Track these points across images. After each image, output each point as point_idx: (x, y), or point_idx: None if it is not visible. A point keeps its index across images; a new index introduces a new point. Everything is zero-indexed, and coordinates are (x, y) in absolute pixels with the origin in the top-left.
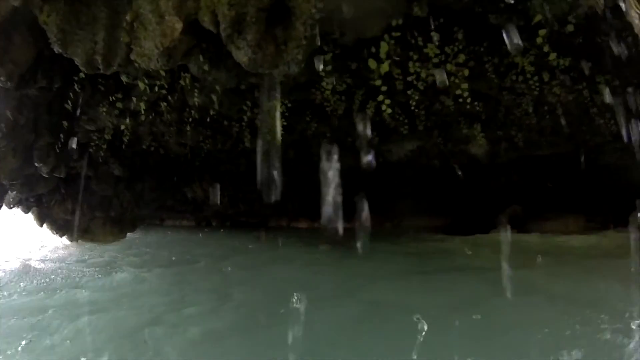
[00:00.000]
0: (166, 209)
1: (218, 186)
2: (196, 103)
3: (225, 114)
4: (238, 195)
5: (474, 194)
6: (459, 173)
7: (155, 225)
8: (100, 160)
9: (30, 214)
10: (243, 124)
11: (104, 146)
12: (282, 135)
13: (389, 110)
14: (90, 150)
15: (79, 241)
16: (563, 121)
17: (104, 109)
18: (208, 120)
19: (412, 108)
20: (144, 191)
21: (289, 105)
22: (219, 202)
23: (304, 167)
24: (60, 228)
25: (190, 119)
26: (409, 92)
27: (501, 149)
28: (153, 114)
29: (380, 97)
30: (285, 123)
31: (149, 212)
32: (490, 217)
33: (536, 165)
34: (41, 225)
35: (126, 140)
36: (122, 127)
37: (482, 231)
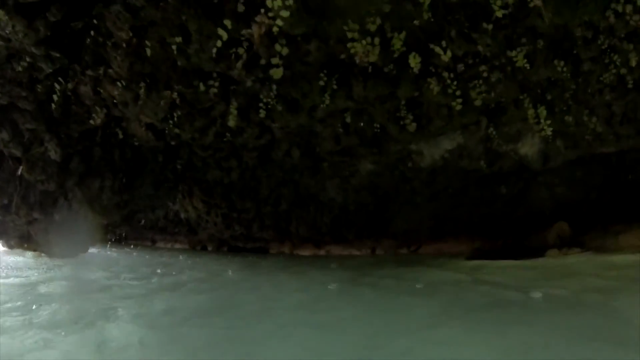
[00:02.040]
0: (158, 230)
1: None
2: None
3: (196, 67)
4: (232, 214)
5: (509, 210)
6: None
7: (147, 247)
8: (27, 135)
9: None
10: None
11: (31, 108)
12: (283, 127)
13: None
14: (14, 116)
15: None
16: None
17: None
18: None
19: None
20: (102, 193)
21: None
22: (214, 223)
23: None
24: None
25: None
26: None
27: (559, 147)
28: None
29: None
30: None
31: (137, 231)
32: (528, 237)
33: (589, 169)
34: None
35: (59, 101)
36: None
37: (527, 255)
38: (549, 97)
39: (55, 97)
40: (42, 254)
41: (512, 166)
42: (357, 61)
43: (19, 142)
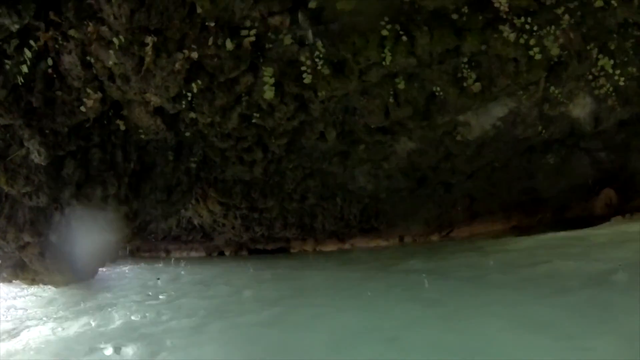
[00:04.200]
0: (171, 239)
1: None
2: None
3: (221, 16)
4: (253, 215)
5: (550, 182)
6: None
7: (160, 258)
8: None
9: None
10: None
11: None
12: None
13: None
14: None
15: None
16: None
17: None
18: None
19: None
20: (106, 203)
21: None
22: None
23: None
24: None
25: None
26: None
27: (611, 106)
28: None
29: None
30: None
31: (149, 243)
32: (567, 210)
33: (634, 130)
34: None
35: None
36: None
37: (575, 227)
38: (612, 47)
39: (24, 69)
40: (41, 284)
41: (561, 132)
42: None
43: None
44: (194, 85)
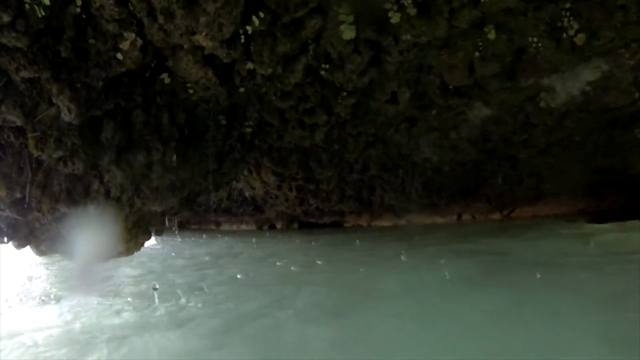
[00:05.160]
0: (221, 212)
1: None
2: None
3: None
4: (309, 187)
5: (629, 162)
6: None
7: (210, 230)
8: (25, 89)
9: None
10: None
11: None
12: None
13: None
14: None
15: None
16: None
17: None
18: None
19: None
20: (150, 171)
21: None
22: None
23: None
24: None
25: None
26: None
27: None
28: None
29: None
30: None
31: (198, 215)
32: None
33: None
34: None
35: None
36: None
37: None
38: None
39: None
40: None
41: None
42: None
43: (14, 102)
44: (251, 25)
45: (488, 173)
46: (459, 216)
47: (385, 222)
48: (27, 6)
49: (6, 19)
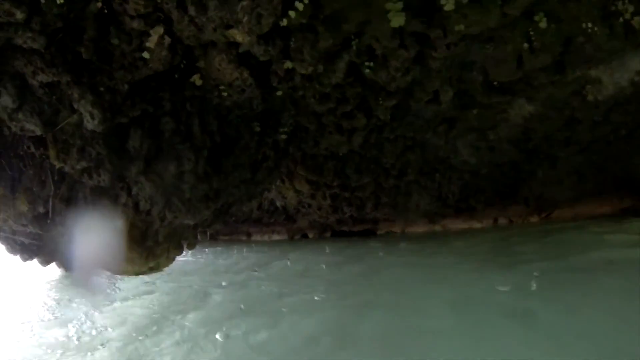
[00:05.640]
0: (252, 222)
1: None
2: None
3: None
4: (344, 194)
5: None
6: None
7: (241, 241)
8: (43, 95)
9: None
10: None
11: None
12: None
13: None
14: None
15: None
16: None
17: None
18: None
19: None
20: (182, 181)
21: None
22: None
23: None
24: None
25: None
26: None
27: None
28: None
29: None
30: None
31: (230, 226)
32: None
33: None
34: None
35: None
36: None
37: None
38: None
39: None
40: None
41: None
42: None
43: (32, 109)
44: (291, 15)
45: (526, 174)
46: (495, 220)
47: (420, 229)
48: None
49: (20, 16)
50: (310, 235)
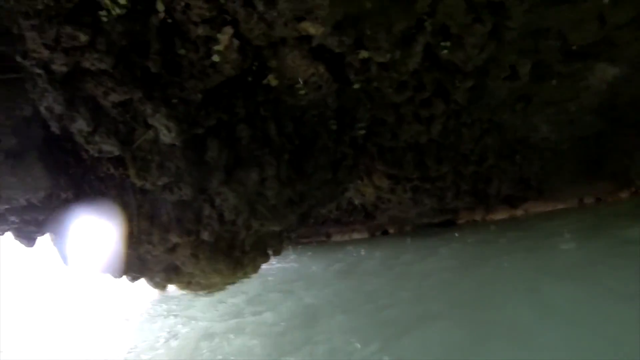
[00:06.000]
0: (331, 222)
1: None
2: None
3: None
4: (424, 186)
5: None
6: None
7: (320, 242)
8: (117, 115)
9: None
10: None
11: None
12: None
13: None
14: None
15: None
16: None
17: None
18: None
19: None
20: (265, 188)
21: None
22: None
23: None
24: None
25: None
26: None
27: None
28: None
29: None
30: None
31: (310, 228)
32: None
33: None
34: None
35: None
36: None
37: None
38: None
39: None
40: (200, 289)
41: None
42: None
43: (107, 130)
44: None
45: (612, 145)
46: (581, 200)
47: (501, 215)
48: (103, 18)
49: (84, 38)
50: (391, 231)
